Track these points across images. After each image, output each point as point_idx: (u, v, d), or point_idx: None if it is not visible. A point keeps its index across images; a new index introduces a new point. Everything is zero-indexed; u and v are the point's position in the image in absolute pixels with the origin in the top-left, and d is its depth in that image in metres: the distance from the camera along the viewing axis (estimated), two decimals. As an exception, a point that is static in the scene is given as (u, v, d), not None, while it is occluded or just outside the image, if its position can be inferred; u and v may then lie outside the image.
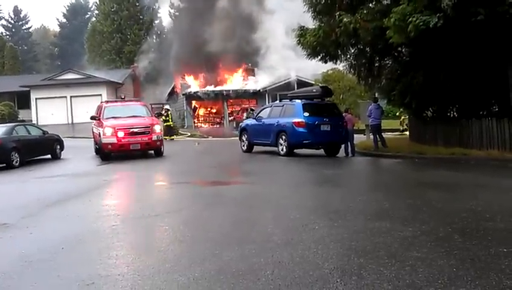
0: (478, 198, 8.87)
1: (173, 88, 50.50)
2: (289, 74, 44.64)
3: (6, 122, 29.71)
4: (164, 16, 66.72)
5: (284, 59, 47.33)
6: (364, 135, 23.58)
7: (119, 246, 6.57)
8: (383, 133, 20.27)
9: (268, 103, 37.68)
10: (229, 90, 46.59)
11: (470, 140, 16.61)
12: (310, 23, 19.07)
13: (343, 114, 19.55)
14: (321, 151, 19.03)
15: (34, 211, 9.22)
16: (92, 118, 21.28)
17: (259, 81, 47.69)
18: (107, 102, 22.34)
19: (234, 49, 48.06)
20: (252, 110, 35.96)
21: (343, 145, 18.89)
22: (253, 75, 50.38)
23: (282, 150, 18.37)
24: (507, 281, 4.64)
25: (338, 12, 16.43)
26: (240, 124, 23.47)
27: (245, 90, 46.63)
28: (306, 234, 6.63)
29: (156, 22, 69.98)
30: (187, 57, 48.47)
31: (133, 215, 8.66)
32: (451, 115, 19.60)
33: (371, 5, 16.45)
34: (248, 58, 50.21)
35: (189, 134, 37.55)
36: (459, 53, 15.99)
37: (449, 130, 17.81)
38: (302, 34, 18.90)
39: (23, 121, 39.13)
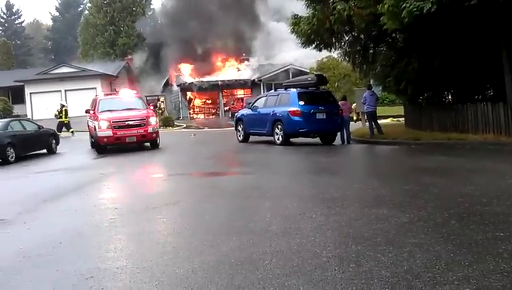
0: (474, 183, 8.90)
1: (168, 79, 50.39)
2: (284, 63, 44.66)
3: (1, 118, 29.68)
4: (157, 6, 66.39)
5: (280, 48, 47.39)
6: (356, 122, 23.64)
7: (117, 239, 6.58)
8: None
9: (264, 92, 37.68)
10: (224, 81, 46.57)
11: (466, 125, 16.63)
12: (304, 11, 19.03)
13: (340, 102, 19.54)
14: (317, 140, 19.03)
15: (31, 206, 9.21)
16: (87, 111, 21.24)
17: (254, 71, 47.71)
18: (105, 95, 22.23)
19: (229, 39, 48.08)
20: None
21: (339, 133, 18.90)
22: (248, 65, 50.41)
23: (278, 139, 18.37)
24: (504, 265, 4.66)
25: (332, 0, 16.38)
26: (236, 114, 23.45)
27: (240, 80, 46.62)
28: (303, 222, 6.64)
29: (149, 13, 69.63)
30: (181, 47, 48.40)
31: (130, 208, 8.65)
32: (447, 100, 19.63)
33: (364, -9, 16.39)
34: (243, 47, 50.21)
35: (184, 125, 37.57)
36: (453, 38, 15.98)
37: (444, 115, 17.82)
38: (296, 22, 18.85)
39: (18, 116, 39.00)
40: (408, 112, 21.94)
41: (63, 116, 30.86)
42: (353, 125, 21.38)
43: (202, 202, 8.81)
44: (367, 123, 20.81)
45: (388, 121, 27.42)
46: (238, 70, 50.33)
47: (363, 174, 12.06)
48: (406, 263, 4.86)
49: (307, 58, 41.49)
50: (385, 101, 36.90)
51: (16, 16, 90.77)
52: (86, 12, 75.87)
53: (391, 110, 31.95)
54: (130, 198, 10.09)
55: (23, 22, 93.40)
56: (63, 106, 32.00)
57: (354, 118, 27.45)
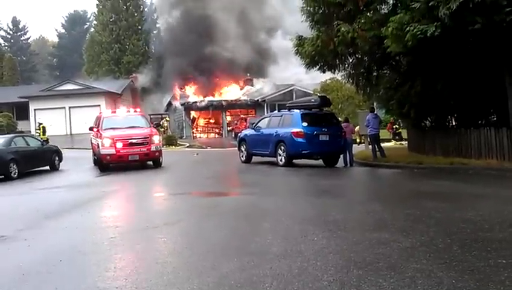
0: (477, 208, 8.85)
1: (172, 98, 50.60)
2: (288, 84, 44.91)
3: (5, 133, 29.95)
4: (162, 26, 66.89)
5: (284, 69, 47.70)
6: (359, 144, 23.62)
7: (117, 258, 6.54)
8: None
9: (267, 113, 37.76)
10: (227, 100, 46.77)
11: (469, 150, 16.58)
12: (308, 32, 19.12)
13: (343, 124, 19.56)
14: (320, 162, 19.02)
15: (32, 223, 9.19)
16: (91, 128, 21.27)
17: (257, 91, 47.93)
18: (108, 112, 22.28)
19: (233, 59, 48.39)
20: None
21: (342, 155, 18.88)
22: (252, 85, 50.66)
23: (281, 160, 18.36)
24: (507, 292, 4.62)
25: (336, 22, 16.48)
26: (239, 134, 23.46)
27: (244, 100, 46.80)
28: (305, 245, 6.60)
29: (155, 32, 70.23)
30: (185, 67, 48.72)
31: (131, 227, 8.63)
32: (450, 125, 19.62)
33: (368, 14, 16.49)
34: (247, 68, 50.54)
35: (187, 144, 37.60)
36: (457, 62, 16.03)
37: (448, 139, 17.80)
38: (300, 43, 18.93)
39: (21, 132, 39.14)
40: (411, 135, 21.93)
41: (41, 134, 32.15)
42: (356, 148, 21.34)
43: (203, 222, 8.78)
44: (370, 146, 20.78)
45: (391, 144, 27.39)
46: (242, 89, 50.56)
47: (366, 197, 12.01)
48: (407, 288, 4.81)
49: (311, 79, 41.74)
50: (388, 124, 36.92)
51: (22, 32, 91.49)
52: (92, 30, 76.66)
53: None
54: (131, 216, 10.07)
55: (29, 38, 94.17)
56: (40, 124, 33.64)
57: (357, 140, 27.45)
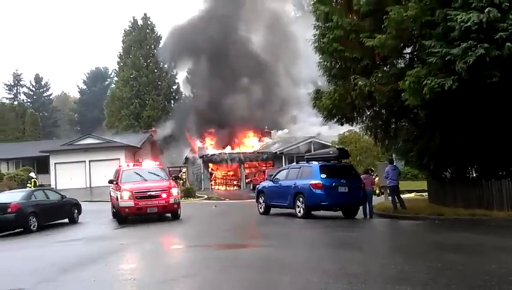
0: (500, 261, 8.67)
1: (191, 151, 50.95)
2: (307, 136, 45.11)
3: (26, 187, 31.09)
4: (181, 81, 68.24)
5: (302, 122, 48.04)
6: (378, 196, 23.42)
7: (134, 311, 6.48)
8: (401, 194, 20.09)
9: (285, 165, 37.77)
10: (245, 153, 46.99)
11: (490, 201, 16.35)
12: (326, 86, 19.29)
13: (363, 175, 19.47)
14: (339, 213, 18.86)
15: (49, 276, 9.17)
16: (110, 181, 21.41)
17: (276, 144, 48.15)
18: (127, 165, 22.40)
19: (251, 113, 48.96)
20: None
21: (361, 207, 18.73)
22: (270, 138, 50.98)
23: (299, 211, 18.24)
24: None
25: (353, 76, 16.62)
26: (257, 186, 23.43)
27: (262, 152, 46.99)
28: (324, 298, 6.49)
29: (174, 87, 71.45)
30: (204, 120, 49.32)
31: (149, 279, 8.57)
32: (471, 176, 19.41)
33: (385, 68, 16.65)
34: (266, 120, 51.03)
35: (206, 197, 37.56)
36: (476, 114, 15.99)
37: (468, 191, 17.57)
38: (317, 97, 19.09)
39: (42, 185, 39.55)
40: (431, 187, 21.71)
41: (32, 187, 32.96)
42: (376, 199, 21.15)
43: (221, 275, 8.68)
44: (390, 197, 20.60)
45: (411, 195, 27.11)
46: (260, 142, 50.83)
47: (386, 250, 11.84)
48: None
49: (329, 131, 41.91)
50: (407, 176, 36.63)
51: (44, 89, 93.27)
52: (113, 86, 78.06)
53: (414, 184, 31.66)
54: (149, 269, 10.00)
55: (51, 94, 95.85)
56: (31, 177, 35.34)
57: (377, 191, 27.21)
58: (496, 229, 13.93)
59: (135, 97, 66.38)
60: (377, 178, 25.66)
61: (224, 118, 49.27)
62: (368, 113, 19.41)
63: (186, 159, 50.56)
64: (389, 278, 7.65)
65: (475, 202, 16.88)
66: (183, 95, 69.51)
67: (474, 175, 19.22)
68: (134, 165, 21.84)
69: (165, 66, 67.63)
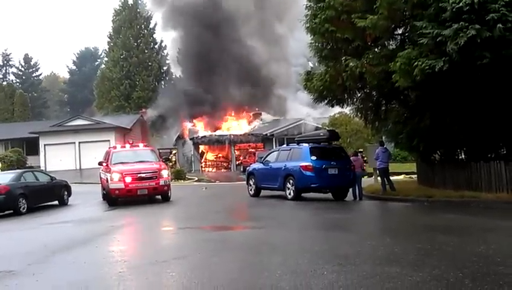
0: (488, 242, 8.75)
1: (181, 133, 50.84)
2: (297, 118, 45.12)
3: (15, 169, 30.50)
4: (172, 62, 67.71)
5: (292, 103, 47.95)
6: (368, 177, 23.50)
7: (125, 293, 6.49)
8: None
9: (276, 146, 37.81)
10: (236, 135, 46.97)
11: (479, 183, 16.48)
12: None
13: (352, 157, 19.53)
14: (329, 195, 18.93)
15: (40, 258, 9.16)
16: (100, 163, 21.34)
17: (266, 125, 48.15)
18: (114, 147, 22.31)
19: (242, 94, 48.81)
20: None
21: (351, 189, 18.81)
22: (261, 119, 50.94)
23: (289, 194, 18.30)
24: (521, 327, 4.53)
25: (344, 57, 16.59)
26: (247, 168, 23.44)
27: (252, 134, 46.96)
28: (314, 279, 6.53)
29: (164, 68, 71.04)
30: (195, 101, 49.12)
31: (139, 261, 8.58)
32: (460, 158, 19.52)
33: (376, 50, 16.60)
34: (256, 101, 50.91)
35: (196, 178, 37.60)
36: (466, 95, 16.04)
37: (458, 173, 17.69)
38: (308, 78, 19.06)
39: (31, 167, 39.35)
40: (421, 169, 21.82)
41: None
42: (365, 181, 21.25)
43: (212, 257, 8.70)
44: (379, 179, 20.70)
45: (401, 177, 27.25)
46: (251, 124, 50.81)
47: (376, 231, 11.92)
48: (419, 323, 4.74)
49: (319, 113, 41.92)
50: (397, 158, 36.82)
51: (34, 69, 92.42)
52: (103, 66, 77.54)
53: (404, 166, 31.81)
54: (139, 251, 10.02)
55: (40, 74, 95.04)
56: None
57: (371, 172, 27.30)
58: (484, 211, 14.05)
59: (125, 78, 65.92)
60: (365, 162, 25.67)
61: (215, 99, 49.10)
62: (359, 94, 19.42)
63: (177, 140, 50.47)
64: (378, 259, 7.71)
65: (464, 184, 17.01)
66: (174, 76, 69.20)
67: (463, 157, 19.34)
68: (130, 146, 21.58)
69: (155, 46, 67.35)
